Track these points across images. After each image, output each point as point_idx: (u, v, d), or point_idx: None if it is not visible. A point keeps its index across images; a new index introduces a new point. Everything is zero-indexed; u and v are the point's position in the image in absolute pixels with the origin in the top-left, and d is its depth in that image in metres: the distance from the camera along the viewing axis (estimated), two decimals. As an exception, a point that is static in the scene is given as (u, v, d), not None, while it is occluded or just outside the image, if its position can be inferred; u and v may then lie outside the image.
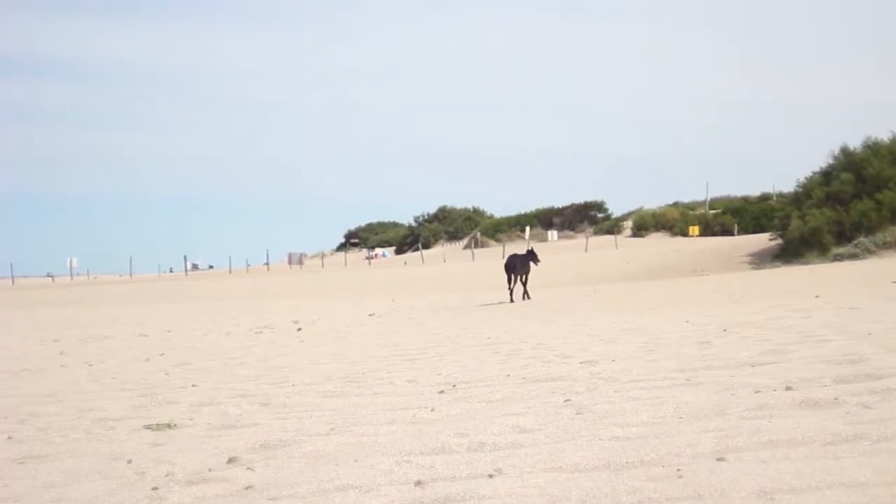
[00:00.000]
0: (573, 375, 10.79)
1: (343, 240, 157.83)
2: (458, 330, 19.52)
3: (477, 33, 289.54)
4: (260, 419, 9.28)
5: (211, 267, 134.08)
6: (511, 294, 29.79)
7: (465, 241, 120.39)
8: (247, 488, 6.26)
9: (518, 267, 29.69)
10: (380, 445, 7.34)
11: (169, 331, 24.55)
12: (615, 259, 62.59)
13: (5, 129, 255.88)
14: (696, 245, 71.15)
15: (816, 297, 21.31)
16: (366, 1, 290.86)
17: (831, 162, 51.41)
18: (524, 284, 30.14)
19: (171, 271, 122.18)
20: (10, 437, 8.96)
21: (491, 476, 6.10)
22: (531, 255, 30.31)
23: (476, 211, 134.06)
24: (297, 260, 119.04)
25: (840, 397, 7.86)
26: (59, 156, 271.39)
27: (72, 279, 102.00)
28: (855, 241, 44.72)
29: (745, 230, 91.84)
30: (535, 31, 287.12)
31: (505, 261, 30.67)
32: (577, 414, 8.09)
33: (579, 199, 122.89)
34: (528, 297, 30.11)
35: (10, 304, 49.95)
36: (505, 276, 30.72)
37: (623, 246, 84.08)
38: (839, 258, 43.56)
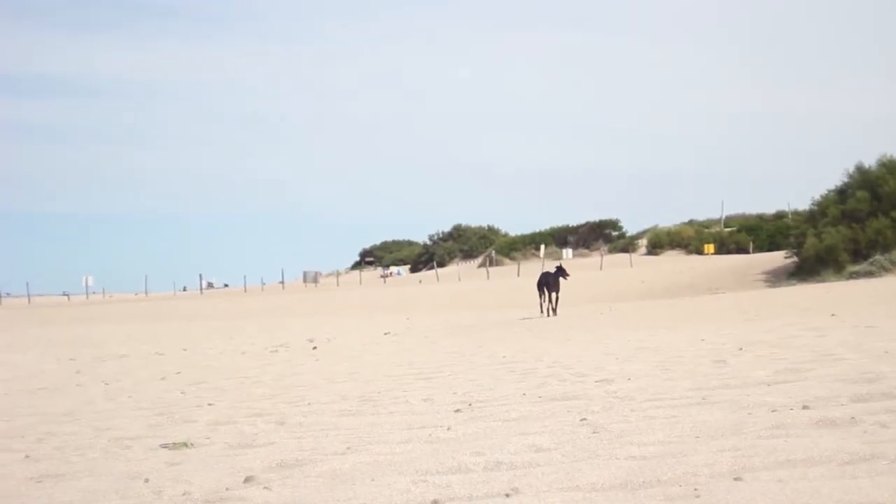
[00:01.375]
0: (589, 394, 10.78)
1: (358, 258, 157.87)
2: (474, 348, 19.51)
3: (492, 50, 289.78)
4: (276, 438, 9.29)
5: (226, 285, 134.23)
6: (542, 308, 31.24)
7: (479, 260, 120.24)
8: (264, 507, 6.27)
9: (551, 284, 31.00)
10: (396, 465, 7.34)
11: (185, 349, 24.60)
12: (630, 277, 62.51)
13: (20, 147, 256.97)
14: (711, 263, 71.04)
15: (832, 315, 21.24)
16: (379, 16, 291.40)
17: (846, 180, 51.33)
18: (555, 301, 31.24)
19: (184, 290, 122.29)
20: (27, 456, 8.99)
21: (508, 495, 6.10)
22: (560, 271, 31.50)
23: (491, 229, 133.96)
24: (312, 278, 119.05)
25: (857, 416, 7.83)
26: (74, 174, 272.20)
27: (87, 298, 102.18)
28: (871, 259, 44.57)
29: (760, 248, 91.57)
30: (549, 48, 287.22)
31: (538, 279, 31.98)
32: (594, 433, 8.08)
33: (594, 217, 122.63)
34: (555, 314, 30.88)
35: (26, 323, 50.10)
36: (537, 293, 31.93)
37: (638, 264, 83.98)
38: (855, 276, 43.41)
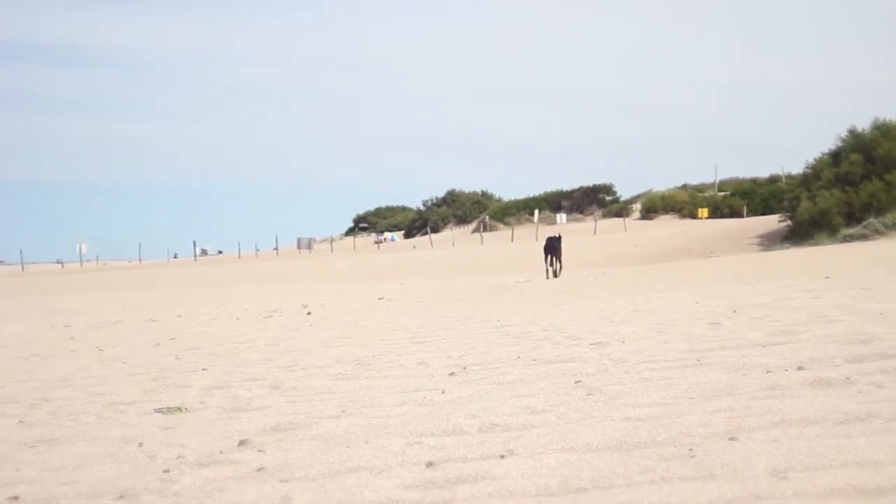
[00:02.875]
0: (583, 357, 10.78)
1: (352, 224, 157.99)
2: (468, 313, 19.51)
3: (485, 20, 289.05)
4: (270, 402, 9.28)
5: (220, 252, 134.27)
6: (547, 272, 32.93)
7: (473, 225, 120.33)
8: (258, 470, 6.26)
9: (556, 249, 32.94)
10: (391, 427, 7.33)
11: (179, 316, 24.58)
12: (624, 242, 62.56)
13: (15, 117, 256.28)
14: (705, 227, 71.09)
15: (826, 277, 21.26)
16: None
17: (840, 143, 51.36)
18: (560, 262, 33.16)
19: (175, 257, 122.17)
20: (21, 422, 8.97)
21: (503, 457, 6.09)
22: (560, 240, 33.55)
23: (484, 195, 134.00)
24: (306, 245, 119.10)
25: (852, 377, 7.84)
26: (68, 143, 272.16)
27: (81, 265, 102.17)
28: (864, 222, 44.66)
29: (754, 212, 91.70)
30: (543, 18, 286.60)
31: (544, 243, 33.89)
32: (588, 395, 8.08)
33: (588, 182, 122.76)
34: (559, 275, 32.62)
35: (20, 291, 50.05)
36: (543, 256, 33.88)
37: (632, 229, 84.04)
38: (849, 239, 43.51)
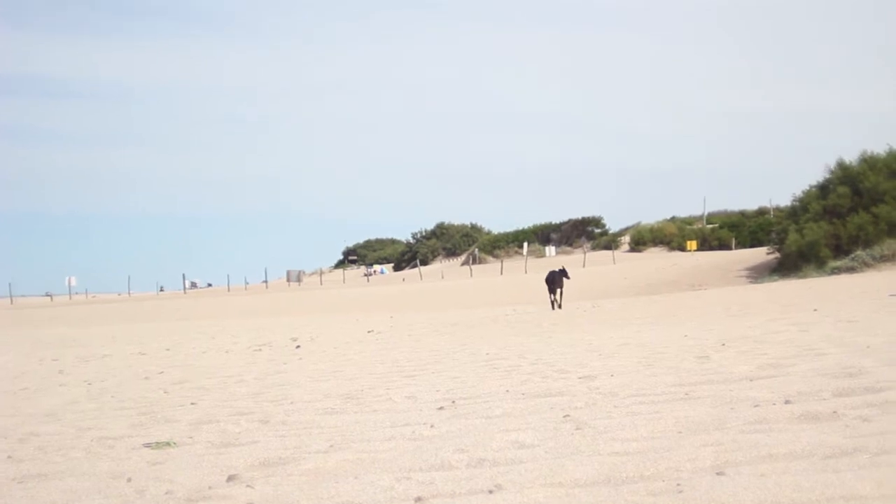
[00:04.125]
0: (572, 391, 10.79)
1: (341, 257, 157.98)
2: (457, 346, 19.51)
3: (474, 48, 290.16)
4: (259, 437, 9.27)
5: (209, 285, 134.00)
6: (552, 304, 33.63)
7: (463, 258, 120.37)
8: (247, 506, 6.26)
9: (557, 280, 33.77)
10: (379, 462, 7.33)
11: (168, 349, 24.53)
12: (613, 274, 62.62)
13: (2, 148, 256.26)
14: (693, 260, 71.19)
15: (814, 310, 21.31)
16: (360, 16, 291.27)
17: (828, 176, 51.58)
18: (560, 296, 33.92)
19: (162, 290, 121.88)
20: (9, 457, 8.95)
21: (491, 492, 6.10)
22: (564, 272, 34.42)
23: (474, 227, 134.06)
24: (295, 277, 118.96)
25: (839, 410, 7.86)
26: (57, 174, 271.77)
27: (70, 298, 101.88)
28: (852, 255, 44.78)
29: (742, 244, 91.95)
30: (532, 46, 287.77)
31: (546, 276, 34.76)
32: (577, 429, 8.09)
33: (577, 214, 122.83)
34: (560, 307, 33.18)
35: (8, 324, 49.89)
36: (547, 288, 34.58)
37: (621, 261, 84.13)
38: (837, 271, 43.61)
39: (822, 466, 6.07)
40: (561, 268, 35.29)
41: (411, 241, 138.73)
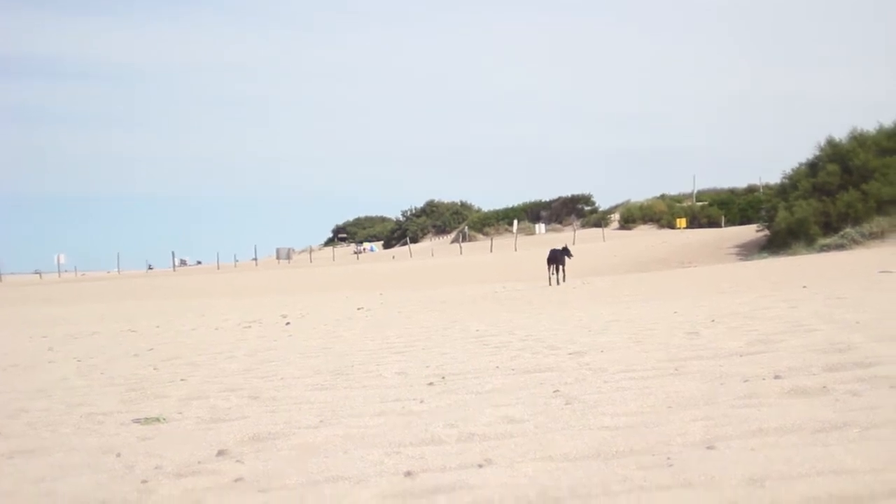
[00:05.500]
0: (562, 366, 10.80)
1: (331, 234, 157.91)
2: (447, 323, 19.52)
3: (465, 32, 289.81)
4: (249, 412, 9.26)
5: (199, 263, 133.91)
6: (550, 280, 34.59)
7: (452, 235, 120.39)
8: (236, 480, 6.25)
9: (559, 259, 34.68)
10: (369, 437, 7.33)
11: (157, 326, 24.50)
12: (603, 252, 62.66)
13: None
14: (683, 237, 71.28)
15: (804, 287, 21.35)
16: (354, 1, 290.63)
17: (817, 153, 51.58)
18: (562, 273, 34.85)
19: (150, 268, 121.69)
20: (-2, 433, 8.93)
21: (481, 466, 6.10)
22: (566, 251, 35.10)
23: (463, 205, 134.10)
24: (285, 255, 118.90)
25: (828, 385, 7.87)
26: (47, 154, 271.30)
27: (59, 276, 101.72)
28: (841, 232, 44.84)
29: (731, 222, 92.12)
30: (522, 29, 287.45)
31: (548, 254, 35.52)
32: (567, 404, 8.09)
33: (566, 192, 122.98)
34: (564, 282, 34.53)
35: (-3, 301, 49.77)
36: (546, 266, 35.50)
37: (610, 238, 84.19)
38: (826, 249, 43.69)
39: (812, 440, 6.07)
40: (563, 246, 35.91)
41: (401, 218, 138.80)
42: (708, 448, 6.06)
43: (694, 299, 20.70)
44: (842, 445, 5.84)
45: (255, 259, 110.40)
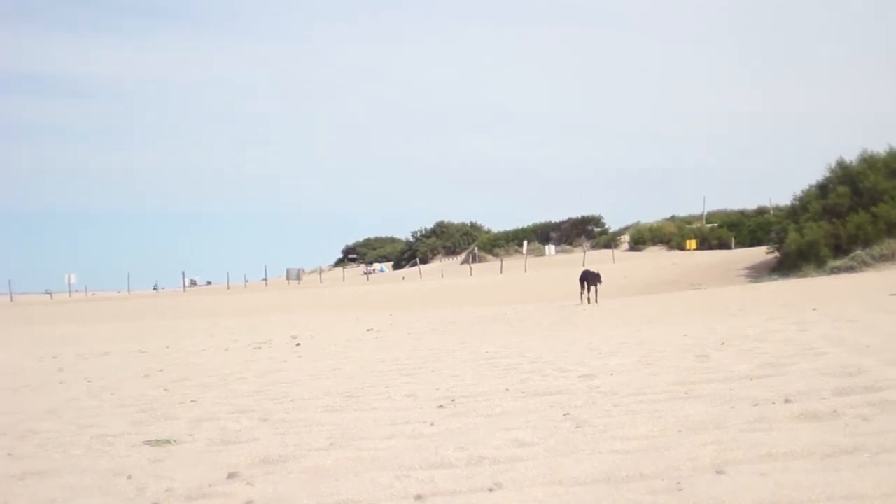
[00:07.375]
0: (572, 389, 10.80)
1: (341, 255, 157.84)
2: (457, 344, 19.52)
3: (474, 47, 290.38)
4: (259, 434, 9.28)
5: (209, 283, 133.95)
6: (581, 297, 36.60)
7: (462, 256, 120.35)
8: (247, 503, 6.26)
9: (591, 279, 36.60)
10: (379, 460, 7.34)
11: (167, 347, 24.53)
12: (613, 273, 62.54)
13: (3, 145, 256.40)
14: (693, 259, 71.18)
15: (814, 309, 21.31)
16: (361, 14, 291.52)
17: (828, 175, 51.50)
18: (595, 294, 36.48)
19: (155, 289, 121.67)
20: (9, 454, 8.95)
21: (490, 490, 6.11)
22: (598, 276, 36.97)
23: (473, 226, 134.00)
24: (295, 275, 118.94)
25: (839, 410, 7.87)
26: (57, 172, 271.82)
27: (70, 295, 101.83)
28: (852, 254, 44.72)
29: (741, 244, 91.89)
30: (532, 45, 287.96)
31: (580, 274, 37.80)
32: (577, 427, 8.09)
33: (577, 213, 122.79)
34: (597, 302, 35.72)
35: (8, 321, 49.87)
36: (578, 286, 37.43)
37: (620, 260, 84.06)
38: (836, 271, 43.57)
39: (822, 465, 6.07)
40: (596, 271, 37.82)
41: (411, 239, 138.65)
42: (718, 473, 6.06)
43: (704, 322, 20.67)
44: (852, 470, 5.84)
45: (265, 279, 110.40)
